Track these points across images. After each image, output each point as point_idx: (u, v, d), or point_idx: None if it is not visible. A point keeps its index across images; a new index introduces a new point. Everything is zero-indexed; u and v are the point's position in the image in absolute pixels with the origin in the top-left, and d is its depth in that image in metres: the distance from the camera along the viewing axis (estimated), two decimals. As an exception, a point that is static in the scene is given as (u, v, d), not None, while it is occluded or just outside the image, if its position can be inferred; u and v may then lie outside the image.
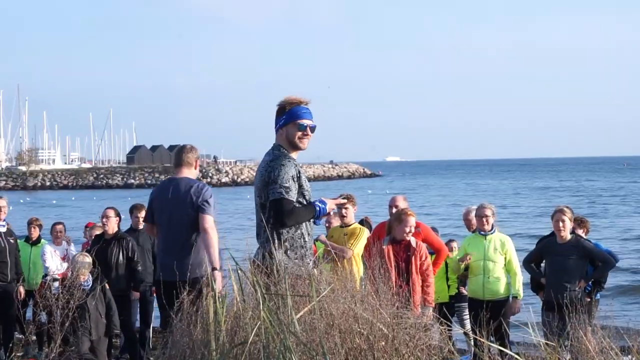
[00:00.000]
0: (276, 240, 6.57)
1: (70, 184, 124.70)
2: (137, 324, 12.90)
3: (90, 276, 10.94)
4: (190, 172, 8.89)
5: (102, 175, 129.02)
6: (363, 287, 5.92)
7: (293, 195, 6.72)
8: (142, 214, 12.97)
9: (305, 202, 6.87)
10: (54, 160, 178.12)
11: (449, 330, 6.03)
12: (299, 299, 5.32)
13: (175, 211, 8.55)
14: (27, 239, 13.84)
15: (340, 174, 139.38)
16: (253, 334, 4.88)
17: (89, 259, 11.05)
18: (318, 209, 6.87)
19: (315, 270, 6.00)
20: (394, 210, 10.81)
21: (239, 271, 5.61)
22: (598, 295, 11.32)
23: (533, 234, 30.12)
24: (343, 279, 5.72)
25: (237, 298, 5.33)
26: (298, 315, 4.86)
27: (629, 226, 40.95)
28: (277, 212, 6.66)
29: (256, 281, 5.16)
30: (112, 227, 12.04)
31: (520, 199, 69.57)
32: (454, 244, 13.73)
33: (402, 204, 11.06)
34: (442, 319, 6.65)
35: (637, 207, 56.56)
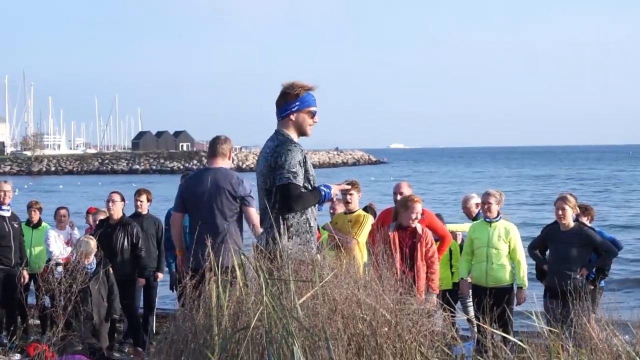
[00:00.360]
0: (281, 226, 6.56)
1: (75, 169, 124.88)
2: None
3: (95, 259, 10.96)
4: (225, 163, 9.02)
5: (107, 161, 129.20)
6: (366, 273, 5.89)
7: (300, 180, 6.72)
8: (143, 198, 12.98)
9: (310, 188, 6.87)
10: (59, 146, 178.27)
11: (452, 316, 6.01)
12: (302, 285, 5.31)
13: (214, 200, 8.65)
14: (28, 222, 13.83)
15: (345, 160, 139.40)
16: (255, 319, 4.87)
17: (93, 242, 11.07)
18: (323, 193, 6.86)
19: (318, 255, 5.97)
20: (398, 196, 10.79)
21: (242, 256, 5.60)
22: (602, 282, 11.31)
23: (536, 222, 29.98)
24: (346, 264, 5.71)
25: (240, 283, 5.31)
26: (301, 301, 4.84)
27: (633, 214, 40.85)
28: (284, 197, 6.66)
29: (259, 266, 5.15)
30: (118, 211, 12.03)
31: (524, 187, 69.37)
32: (459, 231, 13.69)
33: (406, 190, 11.03)
34: (445, 306, 6.64)
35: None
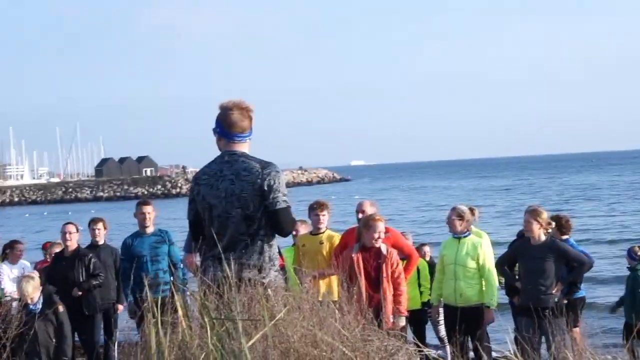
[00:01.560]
0: (267, 254, 6.25)
1: (39, 198, 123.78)
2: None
3: (41, 297, 10.25)
4: None
5: (70, 189, 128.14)
6: (327, 305, 5.38)
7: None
8: (100, 226, 12.53)
9: None
10: (22, 176, 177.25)
11: (419, 352, 5.60)
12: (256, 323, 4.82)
13: None
14: (-14, 258, 13.36)
15: (309, 179, 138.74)
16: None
17: (32, 282, 10.35)
18: None
19: (269, 290, 5.48)
20: (361, 215, 10.41)
21: (189, 293, 5.12)
22: (583, 293, 11.05)
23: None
24: (304, 298, 5.22)
25: (183, 324, 4.77)
26: (249, 344, 4.33)
27: (601, 227, 40.32)
28: (284, 222, 6.29)
29: (204, 304, 4.65)
30: (73, 243, 11.63)
31: (488, 200, 68.64)
32: (426, 248, 13.33)
33: (369, 209, 10.63)
34: (414, 341, 6.26)
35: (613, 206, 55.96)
